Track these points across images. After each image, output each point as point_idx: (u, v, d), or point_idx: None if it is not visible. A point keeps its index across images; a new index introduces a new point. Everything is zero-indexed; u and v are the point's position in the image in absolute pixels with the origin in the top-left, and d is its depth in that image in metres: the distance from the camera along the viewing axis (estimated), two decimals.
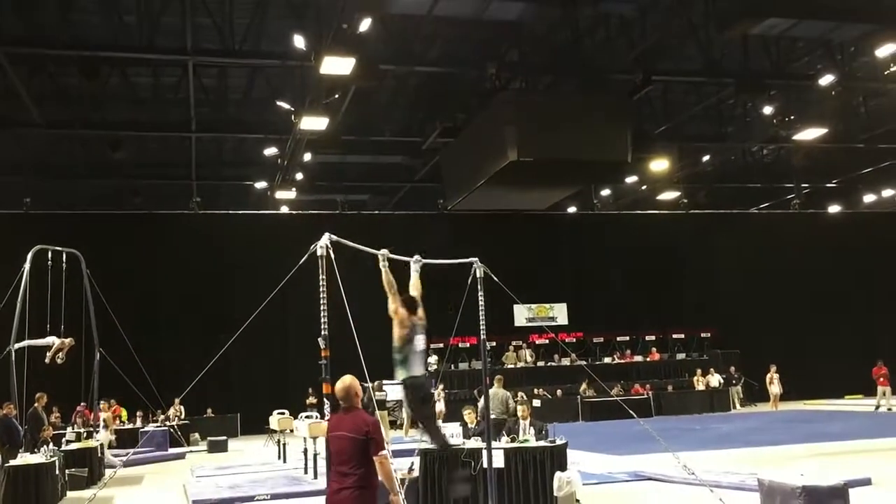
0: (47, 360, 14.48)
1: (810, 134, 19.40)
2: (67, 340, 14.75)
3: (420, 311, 7.71)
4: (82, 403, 18.38)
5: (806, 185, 26.71)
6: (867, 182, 26.61)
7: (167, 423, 19.41)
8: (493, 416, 17.84)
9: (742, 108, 21.50)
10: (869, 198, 28.13)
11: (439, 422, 14.61)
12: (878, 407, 22.30)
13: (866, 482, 9.97)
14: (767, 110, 20.27)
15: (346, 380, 5.48)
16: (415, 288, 8.04)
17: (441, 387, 21.16)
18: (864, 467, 11.02)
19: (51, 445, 12.31)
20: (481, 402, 13.17)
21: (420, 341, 7.62)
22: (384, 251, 7.67)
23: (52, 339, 14.54)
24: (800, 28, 15.50)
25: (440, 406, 20.67)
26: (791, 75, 18.23)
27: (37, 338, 14.16)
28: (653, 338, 26.91)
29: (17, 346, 13.51)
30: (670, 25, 15.12)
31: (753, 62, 17.37)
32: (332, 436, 5.42)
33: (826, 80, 17.26)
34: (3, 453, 12.39)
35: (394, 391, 21.39)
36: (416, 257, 8.23)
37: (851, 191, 27.93)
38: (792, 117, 19.69)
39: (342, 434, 5.30)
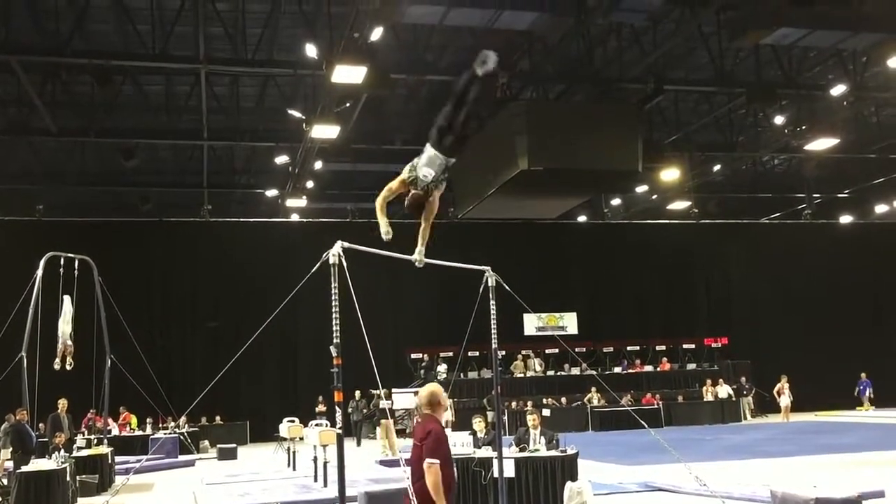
0: (56, 366, 14.54)
1: (822, 144, 19.33)
2: (69, 344, 14.81)
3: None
4: (92, 410, 18.43)
5: (817, 195, 26.61)
6: (879, 192, 26.48)
7: (177, 430, 19.44)
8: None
9: (753, 118, 21.45)
10: (881, 208, 28.00)
11: (449, 429, 14.60)
12: None
13: (880, 494, 9.87)
14: (779, 120, 20.27)
15: (429, 386, 5.50)
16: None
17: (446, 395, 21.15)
18: (877, 479, 10.93)
19: (62, 452, 12.34)
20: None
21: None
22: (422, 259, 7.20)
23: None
24: (811, 38, 15.47)
25: (448, 415, 20.64)
26: (802, 85, 18.20)
27: (49, 346, 14.21)
28: (663, 347, 26.79)
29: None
30: (681, 35, 15.11)
31: (765, 72, 17.35)
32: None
33: (838, 90, 17.22)
34: (16, 459, 12.44)
35: (401, 399, 21.42)
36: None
37: (863, 201, 27.81)
38: (803, 127, 19.65)
39: (414, 442, 5.36)
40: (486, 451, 10.01)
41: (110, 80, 15.18)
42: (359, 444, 20.94)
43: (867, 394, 25.94)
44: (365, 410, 21.46)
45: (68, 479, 11.77)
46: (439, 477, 4.98)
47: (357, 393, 20.46)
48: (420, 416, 5.52)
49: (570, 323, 26.87)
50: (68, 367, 14.49)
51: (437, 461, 5.00)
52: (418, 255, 7.03)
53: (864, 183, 25.27)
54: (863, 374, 25.95)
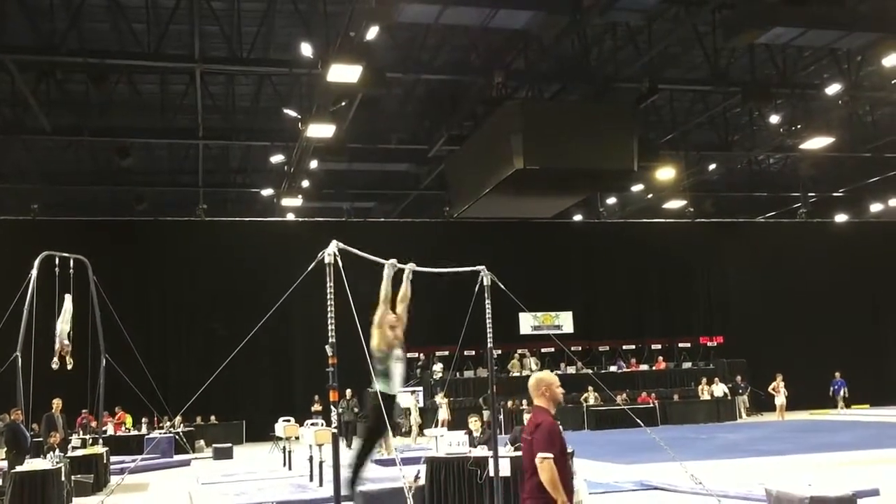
0: (54, 366, 14.49)
1: (817, 143, 19.37)
2: (66, 344, 14.72)
3: (399, 331, 7.56)
4: (84, 410, 18.37)
5: (813, 194, 26.65)
6: (874, 191, 26.56)
7: (172, 430, 19.41)
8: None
9: (748, 117, 21.49)
10: (876, 207, 28.08)
11: (444, 428, 14.61)
12: None
13: (874, 493, 9.90)
14: (774, 119, 20.31)
15: (537, 374, 5.15)
16: (403, 299, 7.82)
17: (442, 394, 21.18)
18: (872, 477, 10.96)
19: (57, 452, 12.31)
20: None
21: (400, 354, 7.50)
22: (392, 261, 7.63)
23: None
24: (806, 37, 15.47)
25: (444, 414, 20.63)
26: (797, 84, 18.22)
27: (44, 345, 14.14)
28: (659, 346, 26.84)
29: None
30: (676, 34, 15.13)
31: (760, 71, 17.38)
32: None
33: (833, 89, 17.25)
34: (10, 459, 12.41)
35: (400, 399, 21.41)
36: (410, 265, 8.08)
37: (858, 200, 27.88)
38: (798, 126, 19.68)
39: (524, 436, 5.06)
40: (482, 451, 10.01)
41: (105, 78, 15.15)
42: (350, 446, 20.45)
43: (841, 393, 25.92)
44: (356, 410, 21.34)
45: (63, 478, 11.75)
46: (554, 471, 4.70)
47: (348, 392, 20.28)
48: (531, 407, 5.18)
49: (565, 322, 26.91)
50: (68, 367, 14.44)
51: (551, 455, 4.71)
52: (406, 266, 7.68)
53: (860, 182, 25.32)
54: (837, 374, 25.96)
